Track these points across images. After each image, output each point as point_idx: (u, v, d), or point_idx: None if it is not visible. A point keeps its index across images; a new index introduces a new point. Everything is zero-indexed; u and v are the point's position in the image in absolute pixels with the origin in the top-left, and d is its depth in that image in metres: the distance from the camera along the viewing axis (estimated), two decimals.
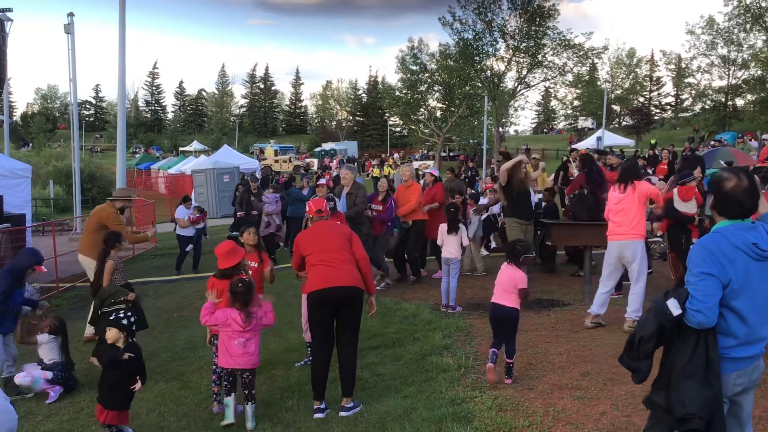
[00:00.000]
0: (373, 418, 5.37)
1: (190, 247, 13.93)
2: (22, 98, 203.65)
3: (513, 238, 9.30)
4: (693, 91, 63.38)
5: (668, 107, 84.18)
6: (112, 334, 5.09)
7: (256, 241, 6.90)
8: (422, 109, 52.15)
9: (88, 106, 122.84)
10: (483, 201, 13.29)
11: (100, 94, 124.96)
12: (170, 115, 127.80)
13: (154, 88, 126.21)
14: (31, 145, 79.79)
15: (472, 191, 15.50)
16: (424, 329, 7.82)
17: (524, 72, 43.38)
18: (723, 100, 58.64)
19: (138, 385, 5.13)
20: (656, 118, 77.15)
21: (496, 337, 6.00)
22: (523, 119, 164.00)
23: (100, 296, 7.20)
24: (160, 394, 6.64)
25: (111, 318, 5.16)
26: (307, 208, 6.28)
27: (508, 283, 5.98)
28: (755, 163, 25.12)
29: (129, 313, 5.21)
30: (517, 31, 41.42)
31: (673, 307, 3.04)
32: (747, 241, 3.07)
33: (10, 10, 13.65)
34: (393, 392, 5.96)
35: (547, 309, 8.49)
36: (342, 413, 5.59)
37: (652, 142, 36.11)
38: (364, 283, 5.81)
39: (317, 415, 5.60)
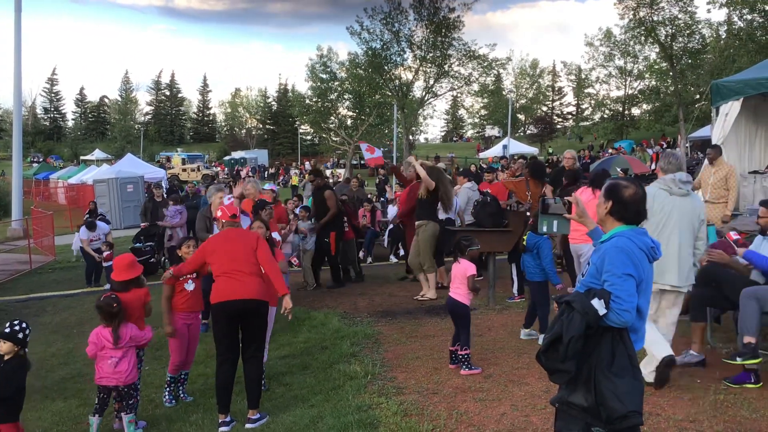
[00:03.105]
0: (280, 429, 5.35)
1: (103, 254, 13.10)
2: None
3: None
4: (592, 101, 65.98)
5: (570, 116, 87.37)
6: (5, 347, 4.87)
7: None
8: (333, 117, 52.20)
9: None
10: (392, 209, 13.47)
11: None
12: (70, 123, 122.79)
13: (53, 95, 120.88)
14: None
15: (382, 199, 15.70)
16: (333, 338, 7.84)
17: (431, 81, 44.16)
18: (620, 109, 61.39)
19: None
20: (558, 126, 79.97)
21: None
22: (432, 128, 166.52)
23: None
24: (58, 413, 6.39)
25: (6, 331, 4.91)
26: (220, 213, 6.12)
27: (458, 276, 6.34)
28: (648, 170, 26.48)
29: (24, 326, 4.97)
30: (423, 41, 42.15)
31: (600, 306, 3.12)
32: (647, 245, 3.34)
33: None
34: (300, 402, 5.95)
35: None
36: (248, 425, 5.54)
37: (549, 150, 37.44)
38: (273, 286, 5.77)
39: (222, 429, 5.52)
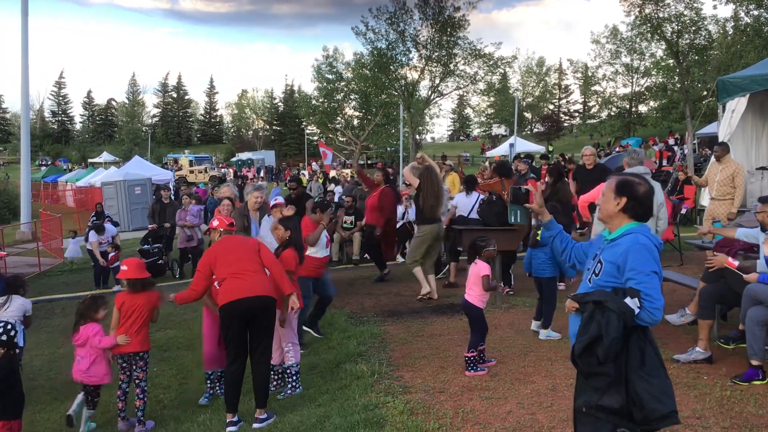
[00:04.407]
0: (287, 429, 5.37)
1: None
2: None
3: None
4: (599, 99, 65.83)
5: (576, 114, 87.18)
6: None
7: None
8: (339, 118, 52.22)
9: None
10: (399, 209, 13.45)
11: (3, 105, 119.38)
12: (78, 126, 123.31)
13: (60, 98, 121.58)
14: None
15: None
16: (339, 337, 7.86)
17: (437, 81, 44.11)
18: (627, 106, 61.22)
19: None
20: (565, 124, 79.81)
21: None
22: (438, 127, 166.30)
23: None
24: (65, 414, 6.42)
25: None
26: (217, 222, 6.13)
27: (473, 277, 6.37)
28: (654, 167, 26.38)
29: (9, 327, 4.95)
30: (429, 41, 42.07)
31: (634, 306, 3.06)
32: (658, 241, 3.30)
33: None
34: (307, 401, 5.97)
35: (460, 313, 8.62)
36: (255, 425, 5.56)
37: (550, 149, 37.32)
38: (278, 287, 5.80)
39: (230, 429, 5.54)
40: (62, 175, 61.76)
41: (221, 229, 6.03)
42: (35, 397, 7.21)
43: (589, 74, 66.98)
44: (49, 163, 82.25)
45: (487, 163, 15.92)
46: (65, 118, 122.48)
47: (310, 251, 7.87)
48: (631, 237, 3.26)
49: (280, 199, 8.72)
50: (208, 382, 6.52)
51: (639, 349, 3.12)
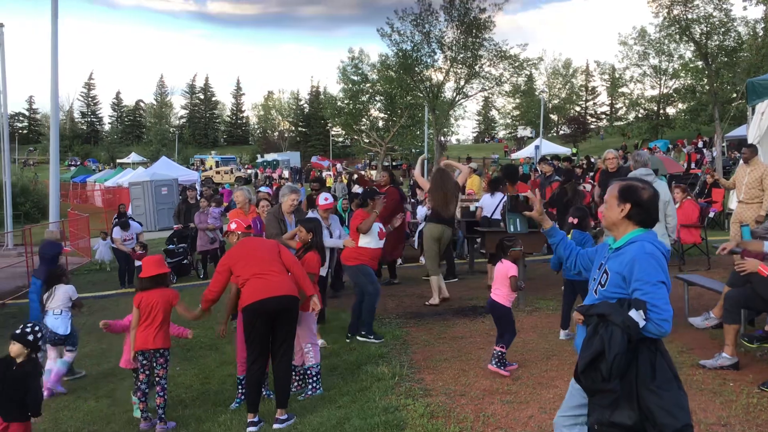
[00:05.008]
0: (307, 430, 5.37)
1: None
2: None
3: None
4: (626, 101, 65.17)
5: (603, 116, 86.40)
6: (15, 348, 4.86)
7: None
8: (364, 119, 52.23)
9: (21, 118, 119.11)
10: (422, 210, 13.42)
11: (34, 106, 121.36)
12: (107, 127, 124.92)
13: (89, 99, 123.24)
14: None
15: (412, 200, 15.65)
16: (361, 339, 7.85)
17: (462, 82, 43.91)
18: (655, 108, 60.52)
19: None
20: (592, 126, 79.14)
21: None
22: (463, 129, 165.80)
23: None
24: (90, 412, 6.52)
25: (17, 331, 4.94)
26: (235, 225, 6.12)
27: (499, 277, 6.37)
28: (682, 170, 26.03)
29: (37, 329, 4.95)
30: (454, 42, 41.90)
31: (639, 318, 2.95)
32: (665, 248, 3.20)
33: None
34: (327, 403, 5.97)
35: (482, 316, 8.60)
36: (276, 425, 5.56)
37: (574, 151, 36.97)
38: (299, 288, 5.82)
39: (250, 429, 5.55)
40: (91, 176, 62.51)
41: (239, 232, 6.05)
42: (59, 395, 7.28)
43: (617, 76, 66.31)
44: (78, 163, 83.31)
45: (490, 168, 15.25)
46: (94, 119, 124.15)
47: (362, 241, 7.85)
48: (636, 245, 3.16)
49: (331, 199, 8.38)
50: (240, 387, 6.32)
51: (649, 362, 3.02)
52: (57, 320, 7.41)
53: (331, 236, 8.16)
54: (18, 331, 4.89)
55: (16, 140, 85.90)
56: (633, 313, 2.96)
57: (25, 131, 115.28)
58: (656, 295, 3.00)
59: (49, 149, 17.26)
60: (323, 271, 7.80)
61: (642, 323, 2.95)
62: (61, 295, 7.49)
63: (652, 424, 2.96)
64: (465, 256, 13.16)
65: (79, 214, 27.23)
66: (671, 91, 56.75)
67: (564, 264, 4.01)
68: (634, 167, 7.94)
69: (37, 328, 4.89)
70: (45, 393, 6.68)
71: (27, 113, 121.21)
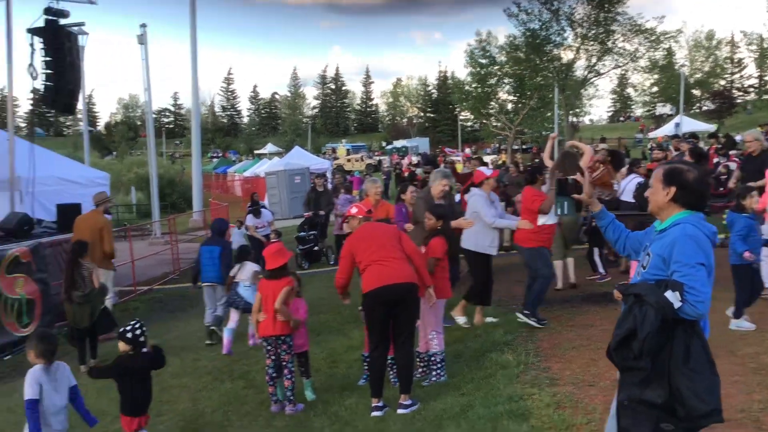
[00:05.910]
0: (430, 416, 5.37)
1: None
2: (106, 108, 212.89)
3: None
4: None
5: (751, 89, 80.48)
6: (120, 346, 5.09)
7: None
8: (493, 103, 51.46)
9: (167, 113, 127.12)
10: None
11: (179, 102, 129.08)
12: (245, 119, 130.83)
13: (229, 93, 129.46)
14: (115, 153, 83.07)
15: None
16: (486, 325, 7.76)
17: (594, 60, 42.19)
18: None
19: None
20: (739, 101, 73.88)
21: None
22: (597, 108, 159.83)
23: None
24: (225, 393, 6.82)
25: (120, 330, 5.17)
26: (356, 210, 6.17)
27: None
28: None
29: (137, 326, 5.08)
30: (585, 18, 40.30)
31: (674, 299, 2.97)
32: (711, 231, 3.17)
33: (82, 24, 14.30)
34: (451, 390, 5.93)
35: (614, 302, 8.23)
36: (399, 411, 5.60)
37: (716, 127, 34.68)
38: (419, 277, 5.82)
39: (375, 413, 5.63)
40: (231, 166, 65.58)
41: (360, 217, 6.10)
42: (197, 377, 7.67)
43: (766, 46, 61.50)
44: (220, 155, 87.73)
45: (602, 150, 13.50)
46: (233, 112, 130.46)
47: (540, 220, 7.56)
48: (679, 228, 3.18)
49: (489, 173, 8.04)
50: (365, 363, 6.44)
51: (684, 343, 3.03)
52: (247, 291, 8.17)
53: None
54: (120, 330, 5.13)
55: (163, 135, 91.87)
56: (669, 294, 2.98)
57: (171, 126, 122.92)
58: (694, 277, 3.02)
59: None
60: (493, 251, 7.86)
61: (677, 304, 2.97)
62: (250, 269, 8.32)
63: (681, 405, 2.99)
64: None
65: (219, 203, 28.70)
66: None
67: (614, 247, 3.97)
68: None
69: (137, 326, 5.05)
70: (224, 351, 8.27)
71: (172, 109, 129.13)
